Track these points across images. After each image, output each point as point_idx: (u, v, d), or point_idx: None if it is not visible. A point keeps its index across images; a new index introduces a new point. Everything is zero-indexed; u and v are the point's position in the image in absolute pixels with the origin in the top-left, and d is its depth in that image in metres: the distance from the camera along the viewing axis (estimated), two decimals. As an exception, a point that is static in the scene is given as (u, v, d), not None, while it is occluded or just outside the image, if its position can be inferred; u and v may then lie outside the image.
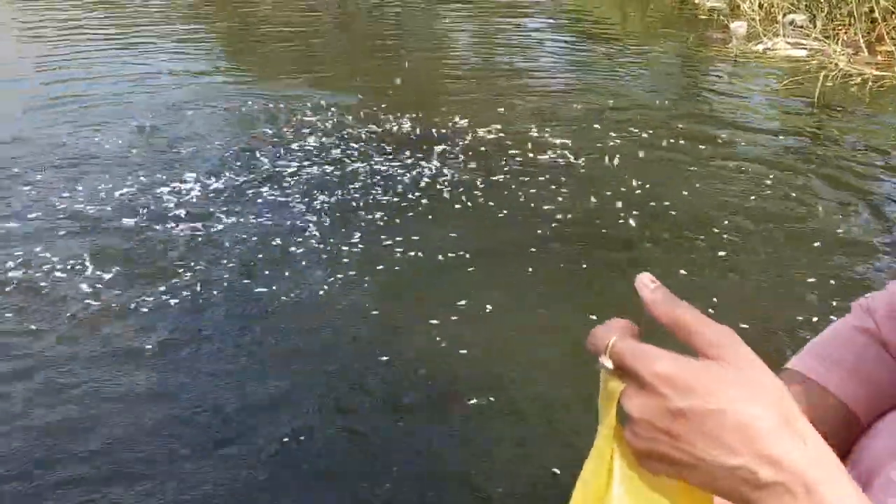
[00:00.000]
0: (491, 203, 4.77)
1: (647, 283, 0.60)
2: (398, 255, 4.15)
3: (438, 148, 5.57)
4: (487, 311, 3.66)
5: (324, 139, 5.77)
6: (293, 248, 4.23)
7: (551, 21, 11.18)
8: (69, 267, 3.99)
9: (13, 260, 4.06)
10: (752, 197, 4.90)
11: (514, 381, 3.20)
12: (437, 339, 3.45)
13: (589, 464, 0.63)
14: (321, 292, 3.80)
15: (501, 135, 5.88)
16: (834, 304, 3.68)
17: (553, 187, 4.98)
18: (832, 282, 3.92)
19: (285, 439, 2.86)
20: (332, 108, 6.41)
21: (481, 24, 10.83)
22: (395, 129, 6.00)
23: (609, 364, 0.59)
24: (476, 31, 10.47)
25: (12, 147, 5.55)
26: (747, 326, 3.42)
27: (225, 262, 4.08)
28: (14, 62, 7.91)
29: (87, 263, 4.03)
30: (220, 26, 10.48)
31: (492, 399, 3.08)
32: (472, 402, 3.07)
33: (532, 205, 4.75)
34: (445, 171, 5.21)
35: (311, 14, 10.99)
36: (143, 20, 10.01)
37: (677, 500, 0.61)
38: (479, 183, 5.03)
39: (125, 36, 9.05)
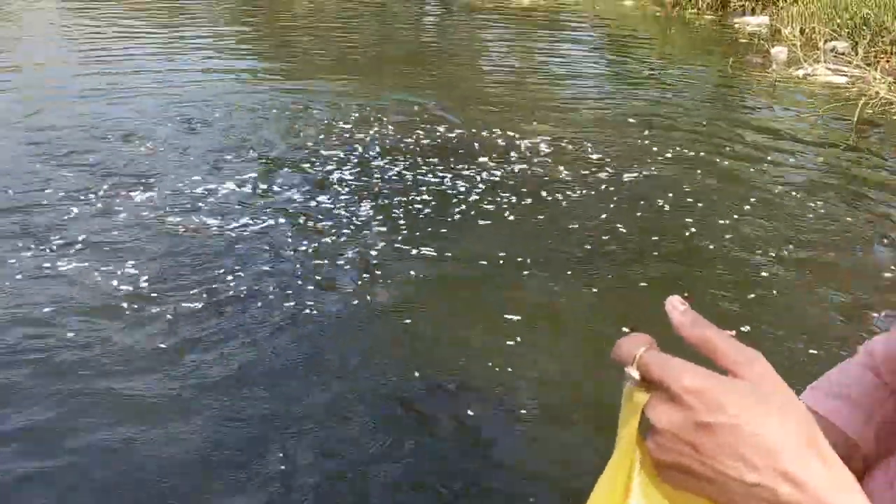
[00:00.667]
0: (534, 215, 4.86)
1: (676, 306, 0.62)
2: (441, 265, 4.24)
3: (481, 159, 5.69)
4: (532, 323, 3.73)
5: (367, 146, 5.91)
6: (337, 256, 4.31)
7: (591, 37, 11.28)
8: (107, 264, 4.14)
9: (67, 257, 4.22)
10: (793, 221, 4.95)
11: (558, 392, 3.28)
12: (484, 351, 3.51)
13: (607, 472, 0.64)
14: (364, 302, 3.87)
15: (542, 147, 5.98)
16: (863, 335, 3.73)
17: (594, 202, 5.07)
18: (866, 312, 3.97)
19: (332, 453, 2.96)
20: (376, 115, 6.55)
21: (522, 39, 10.95)
22: (438, 138, 6.13)
23: (636, 375, 0.60)
24: (517, 46, 10.59)
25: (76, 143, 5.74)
26: (778, 349, 3.49)
27: (266, 268, 4.18)
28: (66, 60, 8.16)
29: (126, 263, 4.16)
30: (264, 30, 10.70)
31: (530, 409, 3.17)
32: (504, 409, 3.16)
33: (573, 218, 4.83)
34: (489, 181, 5.31)
35: (352, 19, 11.18)
36: (185, 21, 10.25)
37: None
38: (522, 194, 5.12)
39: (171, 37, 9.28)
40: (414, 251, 4.36)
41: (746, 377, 0.58)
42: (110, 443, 2.87)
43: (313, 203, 4.93)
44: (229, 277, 4.02)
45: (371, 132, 6.17)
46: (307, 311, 3.76)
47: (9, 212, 4.66)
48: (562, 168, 5.60)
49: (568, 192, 5.20)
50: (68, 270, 4.02)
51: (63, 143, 5.74)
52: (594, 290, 4.05)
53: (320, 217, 4.75)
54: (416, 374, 3.34)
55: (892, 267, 4.43)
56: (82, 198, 4.85)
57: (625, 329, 3.49)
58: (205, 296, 3.85)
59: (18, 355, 3.33)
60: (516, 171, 5.54)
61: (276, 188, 5.14)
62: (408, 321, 3.71)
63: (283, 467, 2.78)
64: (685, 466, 0.58)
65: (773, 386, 0.58)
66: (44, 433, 2.90)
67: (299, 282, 4.02)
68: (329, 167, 5.49)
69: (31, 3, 11.56)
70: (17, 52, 8.90)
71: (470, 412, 3.12)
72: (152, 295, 3.83)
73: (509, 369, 3.37)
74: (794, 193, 5.39)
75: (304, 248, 4.38)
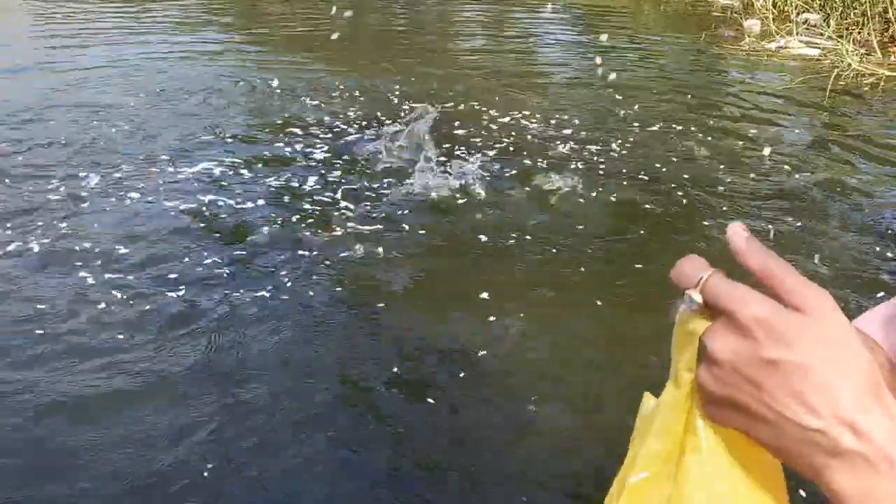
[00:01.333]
0: (516, 193, 4.82)
1: (739, 232, 0.58)
2: (435, 252, 4.17)
3: (459, 136, 5.64)
4: (527, 308, 3.68)
5: (340, 126, 5.84)
6: (331, 245, 4.20)
7: (563, 13, 11.22)
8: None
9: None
10: (777, 187, 4.97)
11: (563, 377, 3.25)
12: (480, 335, 3.47)
13: (665, 400, 0.60)
14: (340, 290, 3.80)
15: (521, 122, 5.94)
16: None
17: (577, 177, 5.02)
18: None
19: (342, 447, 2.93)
20: (357, 98, 6.47)
21: (492, 13, 10.87)
22: (413, 121, 6.05)
23: (699, 299, 0.56)
24: (487, 21, 10.51)
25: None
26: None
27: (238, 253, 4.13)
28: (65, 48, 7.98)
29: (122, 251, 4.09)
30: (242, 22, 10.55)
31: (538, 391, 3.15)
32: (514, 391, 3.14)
33: (556, 196, 4.79)
34: (468, 165, 5.22)
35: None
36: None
37: (749, 456, 0.58)
38: (504, 176, 5.07)
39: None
40: (393, 236, 4.29)
41: (813, 315, 0.54)
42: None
43: (285, 185, 4.86)
44: (195, 261, 3.95)
45: (348, 113, 6.09)
46: (279, 299, 3.69)
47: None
48: (539, 141, 5.57)
49: (549, 165, 5.17)
50: (33, 258, 3.93)
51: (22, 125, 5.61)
52: (582, 269, 4.01)
53: (294, 200, 4.68)
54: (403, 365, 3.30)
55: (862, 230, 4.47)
56: (47, 182, 4.74)
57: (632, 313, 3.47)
58: (172, 278, 3.79)
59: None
60: (496, 147, 5.49)
61: (248, 170, 5.06)
62: (385, 311, 3.64)
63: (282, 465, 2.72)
64: (740, 402, 0.55)
65: (841, 328, 0.54)
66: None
67: (276, 268, 3.95)
68: (300, 147, 5.41)
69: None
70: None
71: (459, 400, 3.10)
72: (125, 282, 3.76)
73: (503, 356, 3.33)
74: (769, 162, 5.40)
75: (276, 228, 4.32)
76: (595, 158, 5.36)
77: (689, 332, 0.57)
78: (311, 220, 4.37)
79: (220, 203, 4.53)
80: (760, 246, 0.58)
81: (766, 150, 5.48)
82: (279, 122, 5.83)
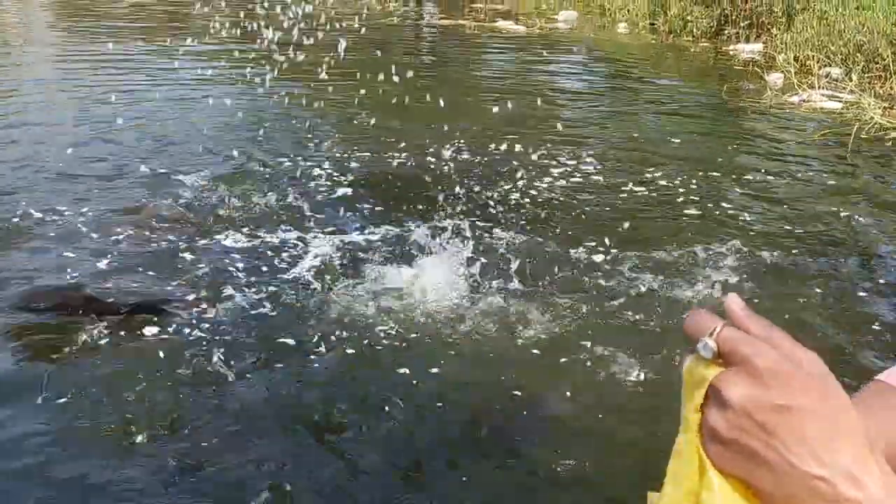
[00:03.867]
0: (541, 232, 4.85)
1: (737, 302, 0.61)
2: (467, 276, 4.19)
3: (480, 181, 5.68)
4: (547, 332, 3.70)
5: (369, 167, 5.91)
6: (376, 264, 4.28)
7: (585, 62, 11.36)
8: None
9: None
10: (797, 241, 4.95)
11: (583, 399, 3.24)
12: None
13: (680, 446, 0.62)
14: (354, 313, 3.85)
15: (545, 169, 5.98)
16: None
17: (597, 220, 5.05)
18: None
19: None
20: (390, 140, 6.56)
21: (515, 63, 11.01)
22: (445, 156, 6.12)
23: (714, 346, 0.59)
24: (511, 71, 10.63)
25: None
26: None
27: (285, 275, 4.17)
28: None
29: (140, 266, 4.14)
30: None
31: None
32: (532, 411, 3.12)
33: (578, 236, 4.80)
34: (490, 203, 5.25)
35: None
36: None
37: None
38: (525, 213, 5.12)
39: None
40: (412, 270, 4.30)
41: (814, 374, 0.58)
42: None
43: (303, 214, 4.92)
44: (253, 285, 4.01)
45: (384, 156, 6.16)
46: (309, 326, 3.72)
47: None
48: (563, 190, 5.60)
49: (570, 212, 5.19)
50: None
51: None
52: (605, 314, 3.99)
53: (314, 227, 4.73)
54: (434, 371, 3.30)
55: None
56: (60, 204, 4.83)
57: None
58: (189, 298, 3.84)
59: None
60: (521, 189, 5.52)
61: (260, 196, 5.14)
62: (415, 343, 3.66)
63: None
64: (748, 446, 0.57)
65: (838, 388, 0.58)
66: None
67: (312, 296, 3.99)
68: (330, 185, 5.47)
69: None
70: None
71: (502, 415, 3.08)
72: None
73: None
74: (792, 213, 5.38)
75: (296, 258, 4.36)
76: (608, 200, 5.38)
77: (699, 378, 0.60)
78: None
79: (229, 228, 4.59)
80: (756, 314, 0.61)
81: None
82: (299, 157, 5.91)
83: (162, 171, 5.67)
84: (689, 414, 0.61)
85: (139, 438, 2.87)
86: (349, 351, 3.55)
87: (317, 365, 3.45)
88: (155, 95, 7.70)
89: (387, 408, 3.14)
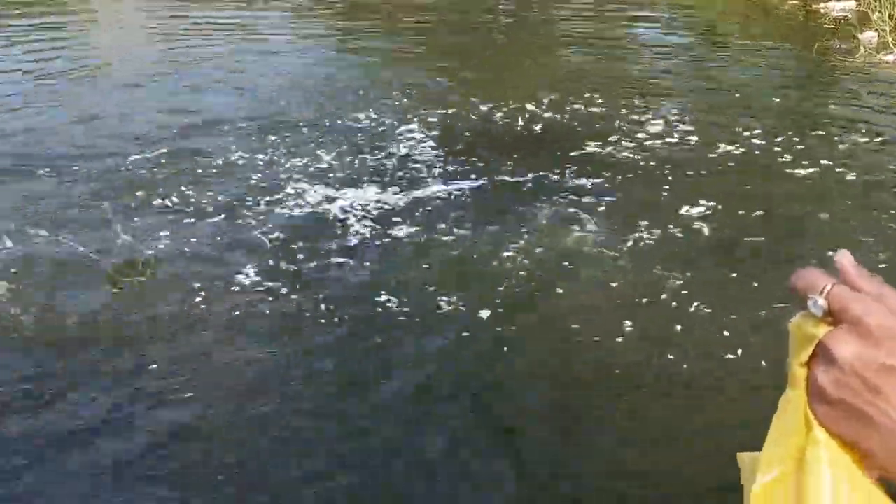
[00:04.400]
0: (631, 198, 4.94)
1: (848, 258, 0.61)
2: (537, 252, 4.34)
3: (566, 145, 5.77)
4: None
5: (449, 133, 6.05)
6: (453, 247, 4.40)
7: (669, 19, 11.20)
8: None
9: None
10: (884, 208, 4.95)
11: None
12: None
13: (784, 404, 0.62)
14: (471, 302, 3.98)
15: (634, 128, 6.05)
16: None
17: (689, 183, 5.12)
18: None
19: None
20: (462, 99, 6.67)
21: (598, 21, 10.93)
22: (527, 122, 6.22)
23: (824, 304, 0.59)
24: (590, 32, 10.56)
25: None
26: None
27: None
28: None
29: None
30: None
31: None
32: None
33: (668, 197, 4.89)
34: (581, 167, 5.35)
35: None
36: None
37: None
38: (619, 176, 5.22)
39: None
40: (497, 246, 4.39)
41: None
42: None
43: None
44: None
45: (461, 120, 6.28)
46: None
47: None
48: (656, 147, 5.66)
49: (666, 172, 5.27)
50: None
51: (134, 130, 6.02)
52: (690, 275, 4.10)
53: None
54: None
55: None
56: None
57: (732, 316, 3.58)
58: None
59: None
60: (611, 153, 5.61)
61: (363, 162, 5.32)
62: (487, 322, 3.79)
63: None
64: (853, 406, 0.57)
65: None
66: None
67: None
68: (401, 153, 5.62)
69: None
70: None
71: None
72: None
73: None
74: (883, 178, 5.36)
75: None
76: (709, 169, 5.43)
77: (807, 335, 0.60)
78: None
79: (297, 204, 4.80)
80: (867, 272, 0.60)
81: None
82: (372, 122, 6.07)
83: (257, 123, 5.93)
84: (796, 370, 0.61)
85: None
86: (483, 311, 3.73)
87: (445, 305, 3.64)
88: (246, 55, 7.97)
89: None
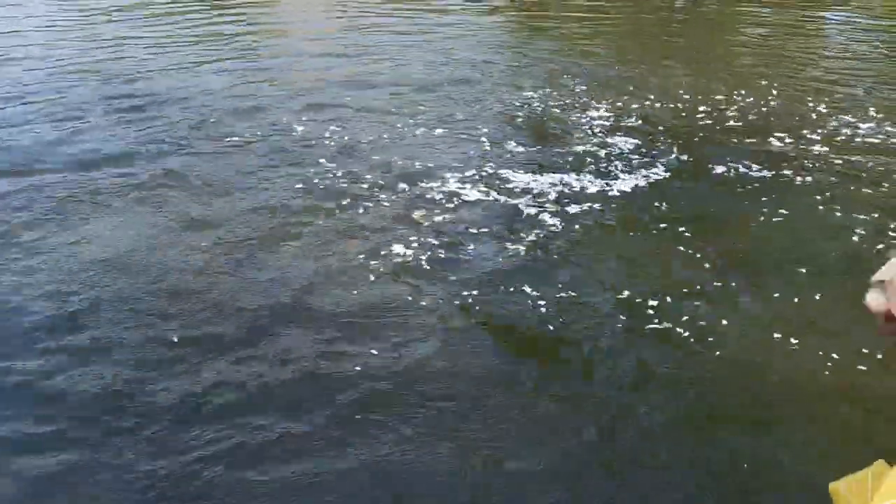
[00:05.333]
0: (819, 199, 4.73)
1: None
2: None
3: (757, 140, 5.58)
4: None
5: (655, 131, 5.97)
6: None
7: (858, 20, 10.55)
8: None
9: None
10: None
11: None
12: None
13: None
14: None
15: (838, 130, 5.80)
16: None
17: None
18: None
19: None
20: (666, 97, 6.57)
21: (777, 24, 10.43)
22: (680, 120, 6.06)
23: None
24: (769, 28, 10.10)
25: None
26: None
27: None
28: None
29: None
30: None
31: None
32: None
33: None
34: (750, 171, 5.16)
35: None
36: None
37: None
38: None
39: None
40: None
41: None
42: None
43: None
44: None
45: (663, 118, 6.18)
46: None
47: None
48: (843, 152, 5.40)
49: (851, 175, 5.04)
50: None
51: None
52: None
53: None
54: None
55: None
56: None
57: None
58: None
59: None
60: (810, 153, 5.40)
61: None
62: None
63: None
64: None
65: None
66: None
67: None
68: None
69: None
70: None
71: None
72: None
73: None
74: None
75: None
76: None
77: None
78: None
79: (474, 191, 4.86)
80: None
81: None
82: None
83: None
84: None
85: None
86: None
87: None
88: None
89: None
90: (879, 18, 10.68)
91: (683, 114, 6.13)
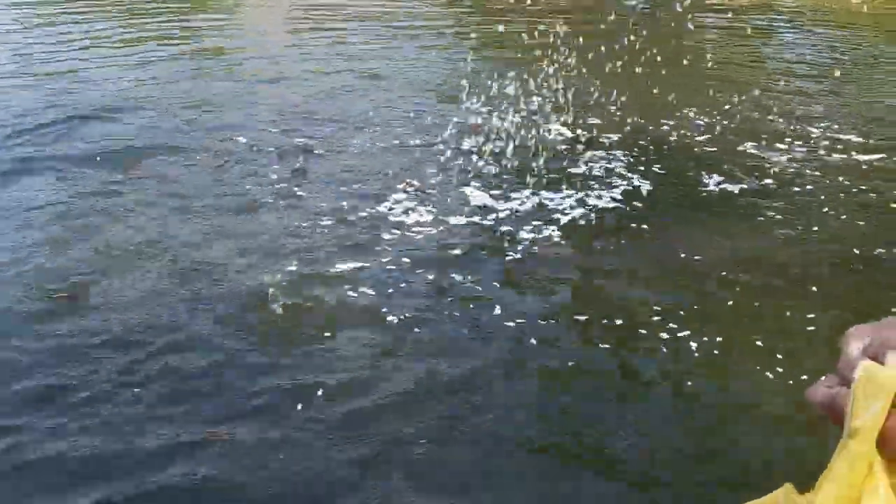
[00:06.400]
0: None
1: None
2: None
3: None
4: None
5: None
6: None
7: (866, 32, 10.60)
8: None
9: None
10: None
11: None
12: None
13: (838, 462, 0.63)
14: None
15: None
16: None
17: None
18: None
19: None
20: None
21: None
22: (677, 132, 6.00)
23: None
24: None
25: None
26: None
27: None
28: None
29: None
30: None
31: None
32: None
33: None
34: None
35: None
36: None
37: None
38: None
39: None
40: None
41: None
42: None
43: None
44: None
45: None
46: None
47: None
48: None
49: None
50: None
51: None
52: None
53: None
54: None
55: None
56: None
57: None
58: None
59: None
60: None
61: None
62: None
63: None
64: None
65: None
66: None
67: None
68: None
69: None
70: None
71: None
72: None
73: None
74: None
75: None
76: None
77: (879, 386, 0.61)
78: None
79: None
80: None
81: None
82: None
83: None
84: (864, 424, 0.61)
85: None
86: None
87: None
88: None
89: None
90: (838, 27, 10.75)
91: (650, 126, 6.08)
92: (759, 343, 3.39)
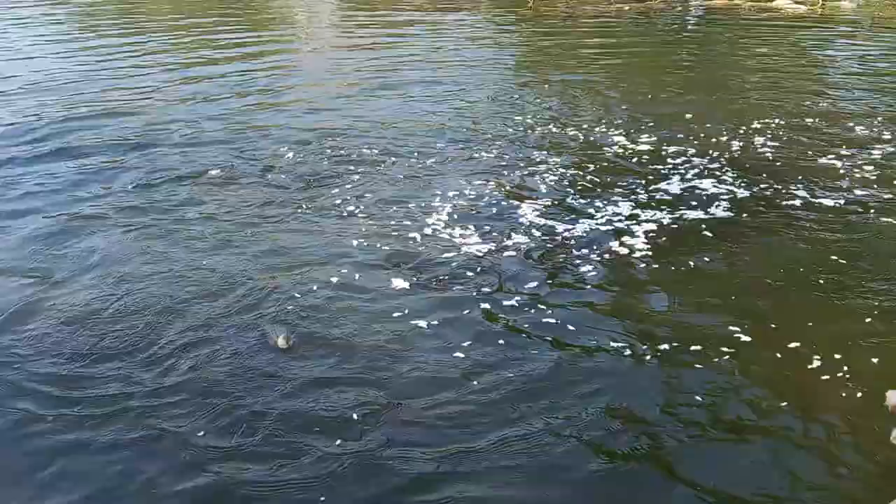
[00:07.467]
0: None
1: None
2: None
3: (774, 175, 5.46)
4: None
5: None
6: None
7: (870, 43, 10.44)
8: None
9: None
10: None
11: None
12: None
13: None
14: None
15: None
16: None
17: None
18: None
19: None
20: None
21: (793, 50, 10.35)
22: (706, 145, 6.03)
23: None
24: (785, 56, 10.02)
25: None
26: None
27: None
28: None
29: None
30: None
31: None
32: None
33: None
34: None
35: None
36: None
37: None
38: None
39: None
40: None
41: None
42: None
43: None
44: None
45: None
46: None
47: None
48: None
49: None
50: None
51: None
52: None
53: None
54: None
55: None
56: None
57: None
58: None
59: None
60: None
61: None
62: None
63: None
64: None
65: None
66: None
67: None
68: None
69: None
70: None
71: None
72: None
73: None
74: None
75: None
76: None
77: None
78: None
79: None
80: None
81: None
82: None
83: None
84: None
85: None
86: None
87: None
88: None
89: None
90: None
91: (724, 138, 6.11)
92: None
